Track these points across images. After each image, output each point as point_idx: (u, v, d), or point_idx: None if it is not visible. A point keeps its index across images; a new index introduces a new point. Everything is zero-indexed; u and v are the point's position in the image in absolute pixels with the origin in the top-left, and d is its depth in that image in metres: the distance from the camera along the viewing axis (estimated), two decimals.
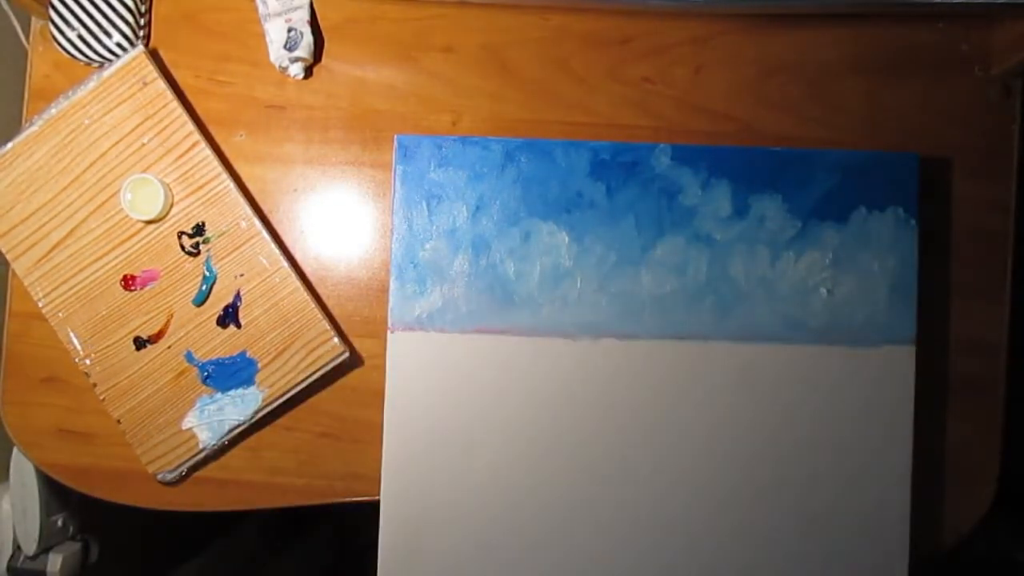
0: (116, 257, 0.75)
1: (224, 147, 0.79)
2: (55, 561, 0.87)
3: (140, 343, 0.75)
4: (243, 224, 0.75)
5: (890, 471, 0.72)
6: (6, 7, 0.78)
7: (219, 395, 0.75)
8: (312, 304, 0.75)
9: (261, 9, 0.78)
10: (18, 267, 0.76)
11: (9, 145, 0.75)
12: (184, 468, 0.76)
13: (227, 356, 0.75)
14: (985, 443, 0.78)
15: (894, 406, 0.73)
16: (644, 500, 0.73)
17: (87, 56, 0.77)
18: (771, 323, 0.73)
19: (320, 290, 0.79)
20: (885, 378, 0.73)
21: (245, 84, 0.80)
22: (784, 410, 0.73)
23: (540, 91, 0.80)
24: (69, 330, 0.75)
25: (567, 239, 0.74)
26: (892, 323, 0.73)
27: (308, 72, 0.80)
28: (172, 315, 0.75)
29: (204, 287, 0.75)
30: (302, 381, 0.75)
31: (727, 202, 0.74)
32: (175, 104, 0.75)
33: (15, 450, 0.82)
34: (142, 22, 0.79)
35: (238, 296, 0.75)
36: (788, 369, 0.73)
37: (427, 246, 0.74)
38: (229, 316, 0.75)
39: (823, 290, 0.73)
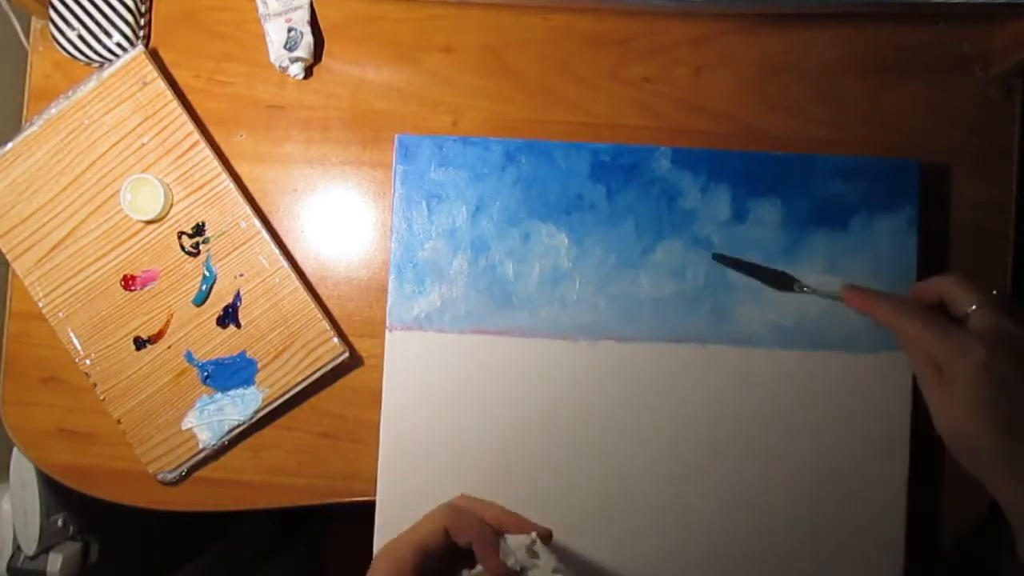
0: (116, 257, 0.75)
1: (224, 147, 0.79)
2: (55, 561, 0.87)
3: (140, 343, 0.75)
4: (243, 224, 0.75)
5: (888, 476, 0.72)
6: (6, 7, 0.78)
7: (219, 395, 0.75)
8: (312, 304, 0.75)
9: (261, 9, 0.78)
10: (18, 267, 0.76)
11: (9, 145, 0.75)
12: (184, 468, 0.76)
13: (227, 356, 0.75)
14: None
15: (893, 411, 0.73)
16: (641, 501, 0.73)
17: (87, 56, 0.77)
18: (770, 327, 0.73)
19: (320, 290, 0.79)
20: (884, 383, 0.73)
21: (245, 84, 0.80)
22: (782, 414, 0.73)
23: (541, 91, 0.80)
24: (69, 330, 0.75)
25: (567, 241, 0.74)
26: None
27: (308, 72, 0.80)
28: (172, 315, 0.75)
29: (204, 287, 0.75)
30: (302, 381, 0.75)
31: (727, 206, 0.74)
32: (175, 104, 0.75)
33: (15, 450, 0.82)
34: (142, 22, 0.79)
35: (238, 296, 0.75)
36: (787, 373, 0.73)
37: (427, 246, 0.74)
38: (229, 316, 0.75)
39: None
